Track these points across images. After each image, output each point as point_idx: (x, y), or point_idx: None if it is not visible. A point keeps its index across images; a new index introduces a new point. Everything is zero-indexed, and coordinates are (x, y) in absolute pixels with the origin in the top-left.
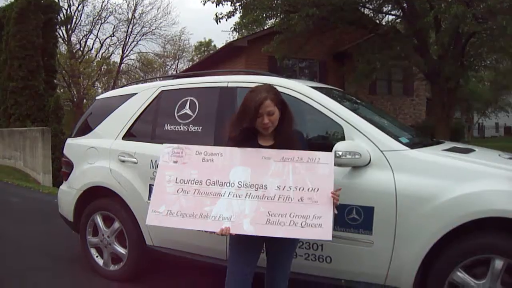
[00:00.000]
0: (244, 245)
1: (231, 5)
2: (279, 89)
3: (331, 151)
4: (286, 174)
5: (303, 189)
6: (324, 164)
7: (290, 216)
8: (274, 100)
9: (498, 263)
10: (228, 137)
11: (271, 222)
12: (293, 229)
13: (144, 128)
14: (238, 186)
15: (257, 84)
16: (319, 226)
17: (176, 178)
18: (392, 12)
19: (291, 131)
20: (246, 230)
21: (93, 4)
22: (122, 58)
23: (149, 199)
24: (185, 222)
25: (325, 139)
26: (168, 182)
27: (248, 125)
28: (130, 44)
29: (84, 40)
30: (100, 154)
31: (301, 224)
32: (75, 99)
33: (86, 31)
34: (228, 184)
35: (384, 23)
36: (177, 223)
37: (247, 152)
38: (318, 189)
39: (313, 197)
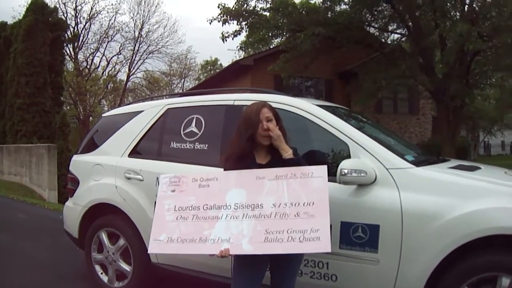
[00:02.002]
0: (249, 264)
1: (237, 24)
2: (286, 107)
3: (337, 168)
4: (281, 191)
5: (298, 204)
6: (317, 177)
7: (287, 232)
8: (271, 110)
9: (505, 281)
10: (227, 157)
11: (269, 240)
12: (292, 244)
13: (150, 146)
14: (234, 208)
15: None
16: (317, 239)
17: (175, 206)
18: (398, 31)
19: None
20: (245, 250)
21: (100, 22)
22: (128, 76)
23: None
24: (186, 247)
25: (331, 157)
26: (167, 210)
27: (251, 133)
28: (137, 62)
29: (91, 58)
30: (106, 171)
31: (299, 239)
32: (81, 117)
33: (93, 49)
34: (225, 207)
35: (389, 42)
36: (177, 249)
37: (241, 174)
38: (313, 203)
39: (309, 211)
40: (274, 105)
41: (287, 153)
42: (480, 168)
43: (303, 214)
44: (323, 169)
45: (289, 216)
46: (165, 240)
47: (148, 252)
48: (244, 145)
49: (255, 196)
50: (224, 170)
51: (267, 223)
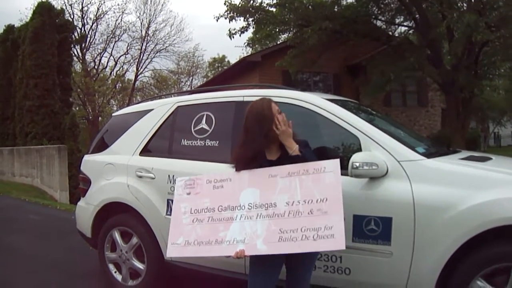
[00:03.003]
0: (265, 262)
1: (244, 20)
2: (295, 102)
3: (348, 161)
4: (294, 189)
5: (311, 201)
6: (330, 172)
7: (301, 230)
8: (276, 104)
9: None
10: (238, 159)
11: (283, 239)
12: (306, 243)
13: (161, 144)
14: (248, 208)
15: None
16: (331, 237)
17: (191, 209)
18: (405, 24)
19: (297, 141)
20: (260, 250)
21: (107, 22)
22: (136, 76)
23: (167, 214)
24: (202, 249)
25: (342, 150)
26: (183, 214)
27: (267, 129)
28: (144, 62)
29: (99, 58)
30: (118, 170)
31: (313, 237)
32: (90, 117)
33: (100, 49)
34: (239, 208)
35: (397, 35)
36: (194, 251)
37: (254, 173)
38: (326, 199)
39: (322, 208)
40: (283, 100)
41: (292, 149)
42: (491, 158)
43: (316, 211)
44: (335, 163)
45: (303, 214)
46: (183, 243)
47: (167, 256)
48: (260, 144)
49: (269, 195)
50: (236, 170)
51: (281, 222)
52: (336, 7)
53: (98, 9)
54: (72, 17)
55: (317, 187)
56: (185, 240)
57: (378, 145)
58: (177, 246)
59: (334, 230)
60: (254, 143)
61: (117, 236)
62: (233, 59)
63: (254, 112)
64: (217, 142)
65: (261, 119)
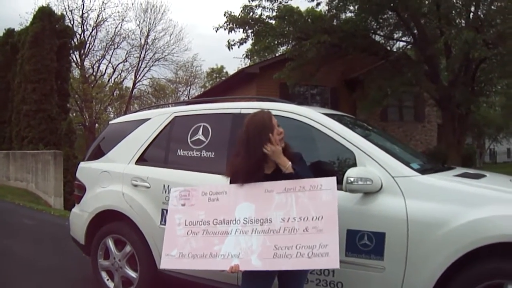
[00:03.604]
0: (257, 274)
1: (243, 32)
2: (292, 115)
3: (343, 176)
4: (290, 205)
5: (307, 218)
6: (326, 190)
7: (296, 247)
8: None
9: None
10: (235, 172)
11: (278, 256)
12: (300, 260)
13: (157, 153)
14: (244, 223)
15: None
16: (326, 255)
17: (185, 221)
18: (403, 39)
19: (289, 153)
20: (255, 266)
21: (106, 29)
22: (134, 84)
23: (161, 223)
24: (197, 263)
25: (337, 165)
26: (178, 225)
27: (271, 138)
28: (143, 70)
29: (97, 65)
30: (113, 178)
31: (307, 255)
32: (87, 123)
33: (99, 56)
34: (234, 222)
35: (395, 50)
36: (189, 264)
37: (250, 187)
38: (322, 217)
39: (318, 226)
40: (280, 113)
41: (285, 167)
42: (485, 176)
43: (311, 229)
44: (332, 181)
45: (298, 231)
46: (177, 255)
47: (160, 267)
48: (260, 157)
49: (264, 210)
50: (226, 175)
51: (276, 239)
52: (335, 21)
53: (98, 16)
54: (72, 23)
55: (313, 204)
56: (179, 252)
57: (373, 161)
58: (171, 258)
59: (329, 248)
60: (256, 155)
61: (110, 244)
62: (231, 70)
63: (256, 123)
64: (213, 153)
65: (262, 130)
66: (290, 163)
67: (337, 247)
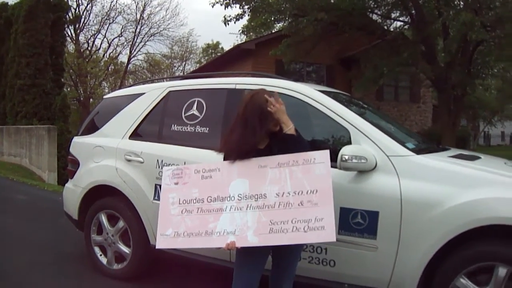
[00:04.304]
0: (251, 250)
1: (239, 7)
2: (287, 92)
3: (337, 154)
4: (284, 180)
5: (302, 192)
6: (320, 163)
7: (292, 222)
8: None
9: (502, 271)
10: (229, 150)
11: (274, 231)
12: (297, 235)
13: (151, 128)
14: (238, 199)
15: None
16: (322, 229)
17: (179, 200)
18: (401, 19)
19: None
20: (251, 242)
21: (101, 4)
22: (129, 59)
23: (154, 198)
24: (192, 241)
25: (331, 143)
26: (172, 204)
27: (269, 125)
28: (138, 45)
29: (92, 39)
30: (107, 153)
31: (303, 229)
32: (81, 98)
33: (94, 30)
34: (228, 198)
35: (392, 29)
36: (184, 243)
37: (243, 163)
38: (317, 191)
39: (312, 200)
40: (275, 89)
41: (288, 127)
42: (480, 158)
43: (307, 203)
44: (325, 154)
45: (293, 206)
46: (172, 234)
47: (156, 247)
48: (260, 139)
49: (258, 186)
50: (220, 151)
51: (271, 214)
52: None
53: None
54: None
55: (307, 178)
56: (174, 232)
57: (368, 139)
58: (167, 238)
59: (325, 222)
60: (254, 138)
61: (103, 219)
62: (227, 46)
63: (256, 106)
64: (207, 128)
65: (262, 115)
66: (293, 125)
67: (332, 220)
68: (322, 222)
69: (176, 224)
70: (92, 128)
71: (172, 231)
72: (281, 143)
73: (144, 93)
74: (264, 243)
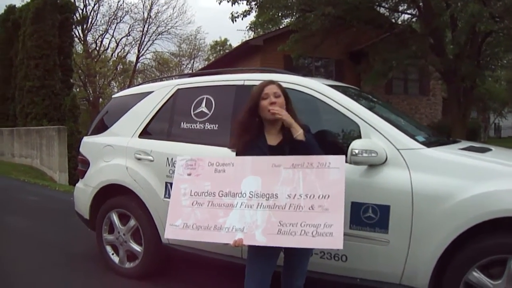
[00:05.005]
0: (263, 248)
1: (246, 4)
2: (296, 87)
3: (347, 148)
4: (297, 181)
5: (313, 196)
6: (334, 168)
7: (301, 225)
8: (280, 87)
9: None
10: (232, 133)
11: (282, 232)
12: (304, 238)
13: (161, 126)
14: (249, 196)
15: None
16: (330, 235)
17: (191, 191)
18: (408, 11)
19: (301, 126)
20: (259, 241)
21: (109, 3)
22: (138, 58)
23: (165, 196)
24: (200, 234)
25: (341, 137)
26: (183, 195)
27: (250, 105)
28: (146, 44)
29: (100, 39)
30: (117, 152)
31: (312, 234)
32: (91, 98)
33: (102, 30)
34: (240, 195)
35: (400, 22)
36: (192, 235)
37: (257, 160)
38: (328, 196)
39: (323, 205)
40: (284, 85)
41: (298, 132)
42: (490, 149)
43: (317, 208)
44: (340, 159)
45: (304, 209)
46: (181, 225)
47: (165, 237)
48: (245, 117)
49: (271, 185)
50: (230, 147)
51: (281, 215)
52: None
53: None
54: None
55: (320, 182)
56: (183, 223)
57: (378, 133)
58: (176, 228)
59: (334, 228)
60: (241, 117)
61: (115, 218)
62: (235, 42)
63: (252, 94)
64: (217, 125)
65: (251, 96)
66: (302, 130)
67: (341, 228)
68: (331, 229)
69: (186, 215)
70: (102, 128)
71: (181, 222)
72: (292, 145)
73: (152, 92)
74: (272, 244)
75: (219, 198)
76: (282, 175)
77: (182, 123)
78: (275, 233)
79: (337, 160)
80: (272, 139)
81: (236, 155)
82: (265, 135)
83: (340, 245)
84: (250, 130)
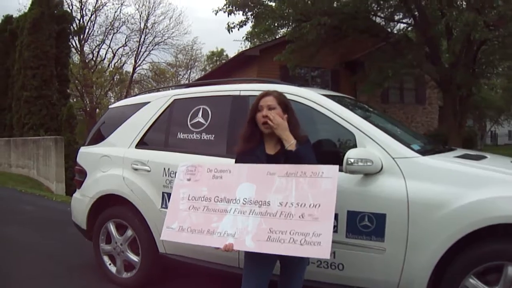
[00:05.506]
0: (259, 256)
1: (243, 14)
2: (291, 97)
3: (342, 158)
4: (289, 190)
5: (304, 205)
6: (327, 178)
7: (290, 233)
8: (277, 98)
9: (511, 270)
10: (238, 147)
11: (272, 239)
12: (293, 246)
13: (157, 137)
14: (243, 203)
15: None
16: (318, 244)
17: (189, 196)
18: (404, 20)
19: (298, 136)
20: (248, 247)
21: (105, 14)
22: (134, 68)
23: (162, 206)
24: (194, 237)
25: (337, 146)
26: (182, 199)
27: (250, 116)
28: (143, 54)
29: (97, 50)
30: (113, 162)
31: (300, 242)
32: (87, 109)
33: (98, 41)
34: (234, 201)
35: (395, 32)
36: (186, 238)
37: (253, 168)
38: (319, 205)
39: (314, 214)
40: None
41: (289, 143)
42: (486, 157)
43: (307, 216)
44: (333, 169)
45: (294, 217)
46: (177, 228)
47: (161, 238)
48: (246, 128)
49: (264, 192)
50: (234, 152)
51: (272, 222)
52: (335, 2)
53: (97, 0)
54: (70, 8)
55: (312, 191)
56: (179, 226)
57: (373, 142)
58: (172, 231)
59: (322, 238)
60: (244, 127)
61: (112, 228)
62: (231, 53)
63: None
64: (213, 135)
65: (251, 112)
66: (295, 141)
67: (330, 238)
68: (319, 238)
69: (182, 218)
70: (99, 138)
71: (177, 225)
72: (285, 155)
73: (149, 102)
74: (260, 250)
75: (214, 204)
76: (276, 183)
77: (178, 133)
78: (264, 239)
79: (330, 170)
80: (271, 149)
81: (235, 162)
82: (264, 144)
83: (327, 254)
84: (251, 140)
